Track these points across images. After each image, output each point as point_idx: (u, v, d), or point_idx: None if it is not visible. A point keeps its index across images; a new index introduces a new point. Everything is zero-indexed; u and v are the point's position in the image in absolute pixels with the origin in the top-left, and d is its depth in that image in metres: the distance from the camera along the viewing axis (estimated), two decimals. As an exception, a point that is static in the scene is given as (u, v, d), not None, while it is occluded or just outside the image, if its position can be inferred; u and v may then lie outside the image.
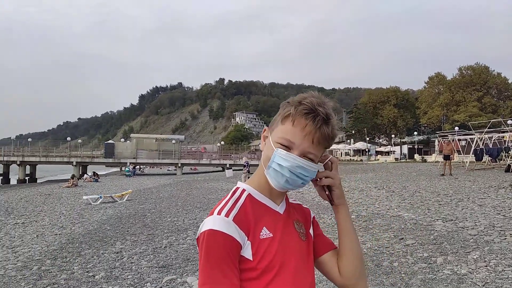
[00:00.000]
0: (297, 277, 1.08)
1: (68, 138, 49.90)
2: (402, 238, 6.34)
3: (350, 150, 63.60)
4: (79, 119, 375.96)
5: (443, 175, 17.51)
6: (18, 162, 40.30)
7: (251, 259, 1.01)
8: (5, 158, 40.95)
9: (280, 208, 1.14)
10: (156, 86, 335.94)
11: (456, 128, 32.30)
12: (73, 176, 26.80)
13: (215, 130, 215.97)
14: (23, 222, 10.23)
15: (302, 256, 1.13)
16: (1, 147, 44.48)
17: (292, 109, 1.05)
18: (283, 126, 1.06)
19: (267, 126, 1.16)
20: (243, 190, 1.12)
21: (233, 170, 35.30)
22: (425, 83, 63.12)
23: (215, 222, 1.00)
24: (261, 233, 1.05)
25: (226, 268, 0.97)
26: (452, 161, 19.03)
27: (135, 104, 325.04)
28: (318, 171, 1.11)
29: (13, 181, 39.70)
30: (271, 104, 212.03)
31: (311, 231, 1.20)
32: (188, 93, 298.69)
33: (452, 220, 7.58)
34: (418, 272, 4.70)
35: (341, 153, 67.44)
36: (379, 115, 67.21)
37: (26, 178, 40.67)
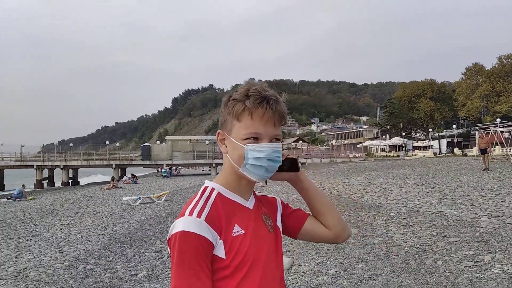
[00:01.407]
0: (266, 270, 1.10)
1: (107, 142, 51.80)
2: (445, 236, 6.12)
3: (385, 145, 62.05)
4: (116, 123, 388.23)
5: (486, 169, 16.75)
6: (61, 166, 42.14)
7: (224, 258, 1.03)
8: (50, 163, 42.94)
9: (250, 204, 1.16)
10: (188, 89, 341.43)
11: (498, 119, 30.85)
12: (113, 178, 27.72)
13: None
14: (68, 223, 10.68)
15: (271, 249, 1.15)
16: (45, 152, 46.68)
17: (246, 104, 1.07)
18: (241, 123, 1.08)
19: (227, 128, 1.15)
20: (212, 189, 1.13)
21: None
22: (462, 74, 60.65)
23: (187, 223, 1.01)
24: (233, 231, 1.07)
25: (199, 270, 0.98)
26: (490, 154, 18.14)
27: (169, 107, 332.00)
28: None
29: (58, 184, 41.59)
30: (302, 102, 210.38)
31: (278, 223, 1.23)
32: (219, 95, 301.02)
33: (498, 216, 7.24)
34: (464, 271, 4.51)
35: (376, 149, 65.95)
36: (415, 109, 65.15)
37: (69, 181, 42.48)
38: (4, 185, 39.89)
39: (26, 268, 6.06)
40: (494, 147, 26.02)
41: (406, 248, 5.72)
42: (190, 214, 1.03)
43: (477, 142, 22.83)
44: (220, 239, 1.03)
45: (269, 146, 1.07)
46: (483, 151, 17.50)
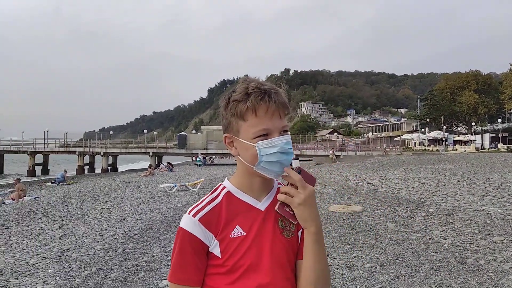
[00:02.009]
0: (269, 276, 1.07)
1: (145, 131, 53.40)
2: (489, 234, 5.85)
3: (425, 139, 60.01)
4: (154, 112, 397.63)
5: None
6: (101, 153, 43.81)
7: (220, 257, 1.07)
8: (91, 149, 44.78)
9: (262, 205, 1.13)
10: (224, 79, 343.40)
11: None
12: (150, 166, 28.49)
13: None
14: (108, 208, 11.10)
15: (281, 254, 1.10)
16: (87, 139, 48.72)
17: (248, 103, 1.05)
18: (247, 122, 1.07)
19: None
20: (223, 188, 1.16)
21: (300, 160, 35.14)
22: (510, 65, 57.35)
23: (184, 220, 1.09)
24: (233, 232, 1.08)
25: (188, 264, 1.06)
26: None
27: (204, 98, 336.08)
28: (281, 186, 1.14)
29: (98, 170, 43.31)
30: (338, 93, 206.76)
31: (300, 232, 1.14)
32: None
33: (547, 216, 6.84)
34: (510, 272, 4.30)
35: (415, 142, 63.94)
36: (458, 101, 62.35)
37: (109, 167, 44.11)
38: (49, 169, 42.02)
39: (69, 249, 6.36)
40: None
41: (445, 245, 5.52)
42: (190, 212, 1.10)
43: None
44: (216, 239, 1.07)
45: (279, 139, 1.07)
46: None
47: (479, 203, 8.56)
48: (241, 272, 1.06)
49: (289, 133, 1.12)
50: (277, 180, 1.21)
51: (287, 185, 1.10)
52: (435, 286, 4.02)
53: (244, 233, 1.09)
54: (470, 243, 5.51)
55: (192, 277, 1.06)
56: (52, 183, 22.37)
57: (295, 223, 1.10)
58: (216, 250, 1.07)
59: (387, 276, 4.40)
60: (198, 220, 1.07)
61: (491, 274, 4.28)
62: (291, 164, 1.10)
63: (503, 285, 3.94)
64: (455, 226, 6.59)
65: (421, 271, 4.50)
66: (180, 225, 1.09)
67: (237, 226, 1.09)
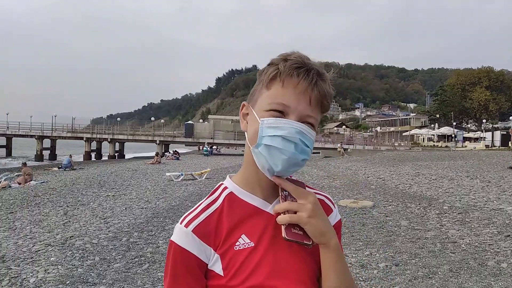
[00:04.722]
0: None
1: (152, 118, 53.14)
2: (509, 235, 5.58)
3: (434, 135, 59.31)
4: (161, 100, 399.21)
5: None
6: (108, 140, 43.90)
7: (222, 275, 0.84)
8: (98, 136, 44.86)
9: (273, 207, 0.87)
10: (232, 69, 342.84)
11: None
12: (157, 154, 28.40)
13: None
14: (113, 195, 10.96)
15: (301, 269, 0.86)
16: (95, 126, 48.77)
17: (280, 67, 0.84)
18: (269, 92, 0.85)
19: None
20: (224, 188, 0.93)
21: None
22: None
23: (176, 231, 0.88)
24: (237, 243, 0.86)
25: (180, 284, 0.85)
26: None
27: (212, 87, 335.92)
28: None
29: (105, 156, 43.42)
30: (347, 86, 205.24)
31: None
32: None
33: None
34: (535, 277, 4.05)
35: (424, 138, 63.25)
36: (468, 98, 61.54)
37: (116, 154, 44.20)
38: (56, 154, 42.18)
39: (72, 236, 6.21)
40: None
41: (463, 245, 5.27)
42: (182, 220, 0.88)
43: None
44: (216, 253, 0.85)
45: (291, 123, 0.82)
46: None
47: (495, 202, 8.27)
48: None
49: (314, 129, 0.86)
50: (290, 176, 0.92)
51: (284, 200, 0.86)
52: (456, 290, 3.79)
53: (252, 244, 0.86)
54: (489, 244, 5.25)
55: None
56: (59, 168, 22.37)
57: (310, 243, 0.84)
58: (217, 267, 0.85)
59: (403, 277, 4.17)
60: (192, 231, 0.85)
61: (514, 278, 4.03)
62: None
63: (529, 292, 3.70)
64: (472, 226, 6.32)
65: (439, 272, 4.26)
66: (171, 238, 0.88)
67: (243, 236, 0.86)
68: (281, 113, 0.83)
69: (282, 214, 0.84)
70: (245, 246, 0.85)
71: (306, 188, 0.90)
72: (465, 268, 4.37)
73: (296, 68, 0.83)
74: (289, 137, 0.81)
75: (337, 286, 0.85)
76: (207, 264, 0.86)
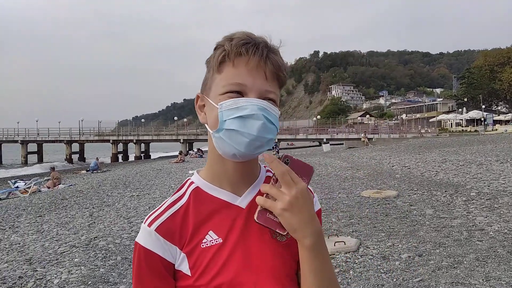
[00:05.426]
0: None
1: (175, 118, 53.86)
2: (541, 221, 5.32)
3: (462, 120, 57.49)
4: (184, 100, 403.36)
5: None
6: (134, 141, 44.82)
7: (189, 275, 0.81)
8: (124, 138, 45.87)
9: (243, 201, 0.83)
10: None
11: None
12: (180, 152, 28.75)
13: (311, 104, 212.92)
14: (137, 195, 11.15)
15: (275, 265, 0.80)
16: (120, 128, 49.86)
17: (226, 48, 0.79)
18: (221, 75, 0.80)
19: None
20: (191, 184, 0.89)
21: (330, 144, 34.69)
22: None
23: (140, 231, 0.85)
24: (204, 240, 0.82)
25: (145, 285, 0.81)
26: None
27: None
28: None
29: (131, 158, 44.35)
30: (370, 74, 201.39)
31: None
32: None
33: None
34: None
35: (451, 123, 61.43)
36: (498, 79, 59.18)
37: (142, 154, 45.07)
38: (85, 158, 43.42)
39: (96, 237, 6.34)
40: None
41: (491, 233, 5.06)
42: (146, 220, 0.84)
43: None
44: (182, 252, 0.81)
45: (251, 101, 0.77)
46: None
47: (526, 186, 7.92)
48: None
49: (276, 105, 0.81)
50: (265, 166, 0.89)
51: (273, 182, 0.78)
52: (482, 279, 3.63)
53: (220, 240, 0.82)
54: (519, 231, 5.02)
55: None
56: (87, 171, 22.99)
57: (285, 234, 0.77)
58: (184, 266, 0.81)
59: (426, 267, 4.03)
60: (155, 230, 0.81)
61: (546, 266, 3.83)
62: (278, 151, 0.77)
63: (562, 279, 3.50)
64: (501, 212, 6.07)
65: (465, 262, 4.10)
66: (136, 239, 0.84)
67: (210, 232, 0.82)
68: (239, 93, 0.78)
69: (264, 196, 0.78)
70: (212, 243, 0.81)
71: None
72: (493, 257, 4.18)
73: (243, 44, 0.79)
74: (252, 115, 0.76)
75: (316, 287, 0.79)
76: (174, 264, 0.82)
